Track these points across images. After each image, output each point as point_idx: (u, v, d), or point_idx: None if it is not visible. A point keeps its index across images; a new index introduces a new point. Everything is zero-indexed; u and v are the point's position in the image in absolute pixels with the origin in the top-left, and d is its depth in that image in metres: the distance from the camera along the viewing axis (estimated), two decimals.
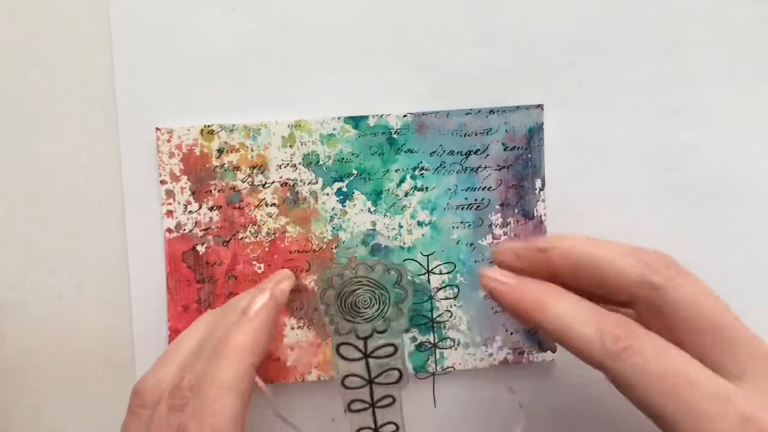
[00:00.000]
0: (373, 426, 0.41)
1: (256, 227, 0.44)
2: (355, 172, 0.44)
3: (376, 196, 0.44)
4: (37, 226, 0.45)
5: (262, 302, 0.37)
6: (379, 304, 0.40)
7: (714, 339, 0.31)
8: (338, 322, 0.40)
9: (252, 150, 0.44)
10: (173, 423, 0.33)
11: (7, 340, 0.45)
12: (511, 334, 0.44)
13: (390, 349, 0.40)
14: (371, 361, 0.40)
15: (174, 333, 0.44)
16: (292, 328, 0.44)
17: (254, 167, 0.44)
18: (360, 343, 0.40)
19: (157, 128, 0.43)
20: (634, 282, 0.32)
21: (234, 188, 0.44)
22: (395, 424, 0.41)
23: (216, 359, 0.34)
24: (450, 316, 0.44)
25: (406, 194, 0.44)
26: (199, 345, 0.37)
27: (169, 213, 0.44)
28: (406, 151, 0.44)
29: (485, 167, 0.44)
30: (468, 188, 0.44)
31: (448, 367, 0.44)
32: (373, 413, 0.41)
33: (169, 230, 0.44)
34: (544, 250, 0.35)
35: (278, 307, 0.38)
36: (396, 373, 0.40)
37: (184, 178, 0.44)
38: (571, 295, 0.34)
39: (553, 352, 0.44)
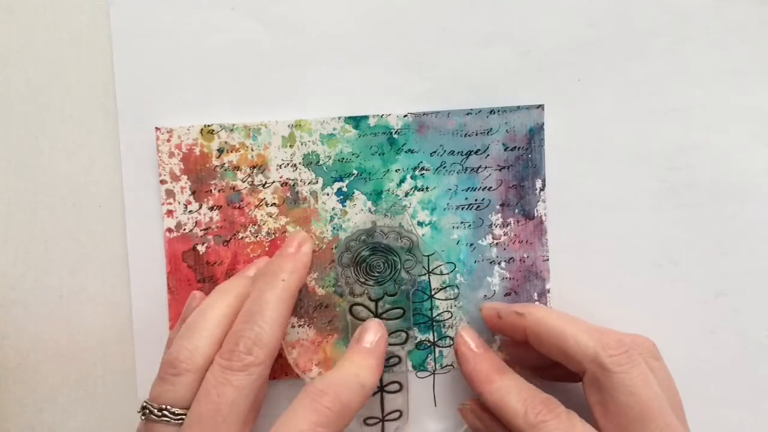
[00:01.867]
0: (379, 384, 0.43)
1: (256, 227, 0.44)
2: (355, 172, 0.44)
3: (376, 196, 0.44)
4: (37, 226, 0.45)
5: (379, 334, 0.41)
6: (391, 269, 0.43)
7: (637, 428, 0.35)
8: (353, 284, 0.43)
9: (252, 150, 0.44)
10: (231, 380, 0.36)
11: (7, 340, 0.45)
12: None
13: (398, 312, 0.43)
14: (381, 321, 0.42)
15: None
16: (293, 326, 0.44)
17: (254, 167, 0.44)
18: (372, 305, 0.43)
19: (156, 128, 0.44)
20: (588, 357, 0.36)
21: (234, 188, 0.44)
22: (399, 383, 0.44)
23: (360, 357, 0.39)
24: (450, 317, 0.44)
25: (407, 194, 0.44)
26: (233, 312, 0.39)
27: (170, 213, 0.44)
28: (406, 151, 0.44)
29: (486, 167, 0.44)
30: (468, 188, 0.44)
31: (447, 366, 0.44)
32: None
33: (169, 230, 0.44)
34: (521, 315, 0.40)
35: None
36: (403, 335, 0.43)
37: (184, 177, 0.44)
38: (514, 375, 0.39)
39: None
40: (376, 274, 0.43)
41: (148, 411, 0.37)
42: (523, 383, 0.39)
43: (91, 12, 0.44)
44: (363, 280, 0.43)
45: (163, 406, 0.36)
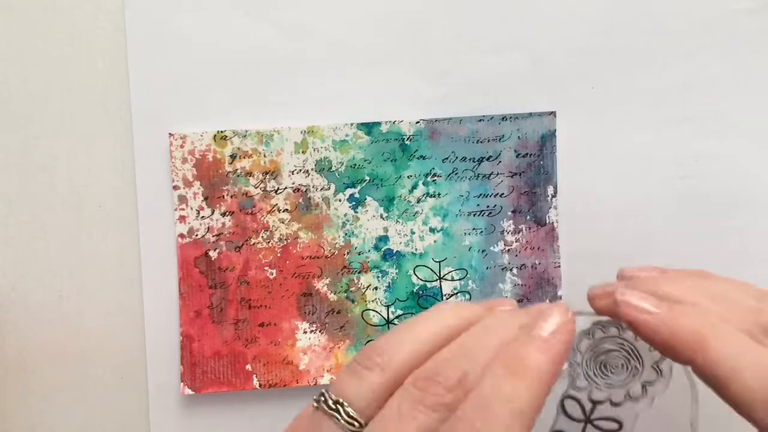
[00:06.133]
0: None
1: (268, 233, 0.44)
2: (367, 178, 0.44)
3: (388, 202, 0.44)
4: (37, 226, 0.45)
5: (561, 322, 0.30)
6: (629, 375, 0.35)
7: None
8: (579, 374, 0.36)
9: (265, 156, 0.44)
10: (419, 417, 0.28)
11: (7, 340, 0.45)
12: None
13: (614, 425, 0.36)
14: (590, 428, 0.36)
15: (186, 338, 0.44)
16: (305, 332, 0.44)
17: (267, 173, 0.44)
18: (588, 405, 0.36)
19: (170, 134, 0.43)
20: (758, 403, 0.28)
21: (246, 194, 0.44)
22: None
23: (511, 378, 0.28)
24: None
25: (419, 200, 0.44)
26: (454, 334, 0.32)
27: (182, 218, 0.44)
28: (418, 158, 0.44)
29: (497, 174, 0.44)
30: (480, 195, 0.44)
31: None
32: None
33: (181, 235, 0.44)
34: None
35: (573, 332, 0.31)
36: None
37: (197, 183, 0.44)
38: (737, 333, 0.29)
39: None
40: (610, 375, 0.35)
41: (323, 399, 0.31)
42: (754, 346, 0.29)
43: (106, 18, 0.44)
44: (592, 375, 0.35)
45: (340, 400, 0.31)
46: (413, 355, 0.31)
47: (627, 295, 0.31)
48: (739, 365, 0.28)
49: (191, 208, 0.44)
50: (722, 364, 0.28)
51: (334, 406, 0.31)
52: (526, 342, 0.29)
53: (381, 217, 0.44)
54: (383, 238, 0.44)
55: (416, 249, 0.44)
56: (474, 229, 0.44)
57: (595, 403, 0.36)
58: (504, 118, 0.44)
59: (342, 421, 0.30)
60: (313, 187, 0.44)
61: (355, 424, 0.30)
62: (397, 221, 0.44)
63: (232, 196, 0.44)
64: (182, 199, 0.44)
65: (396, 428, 0.29)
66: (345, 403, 0.30)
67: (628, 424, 0.36)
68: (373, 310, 0.44)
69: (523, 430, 0.27)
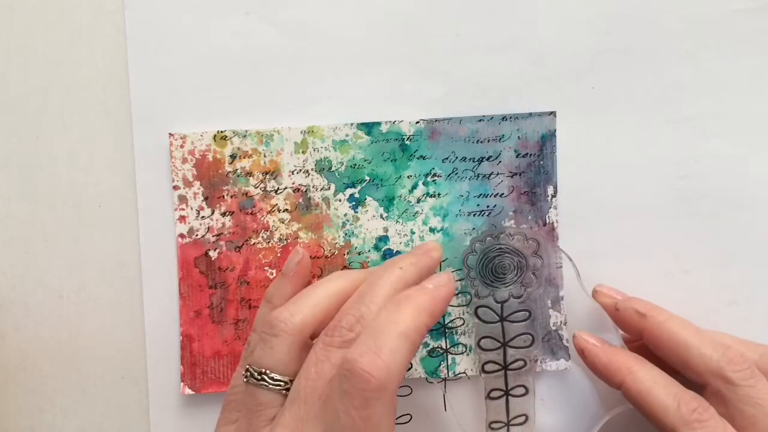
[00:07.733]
0: (504, 388, 0.43)
1: (268, 233, 0.44)
2: (367, 178, 0.44)
3: (388, 202, 0.44)
4: (37, 226, 0.45)
5: (445, 281, 0.38)
6: (518, 271, 0.43)
7: None
8: (478, 285, 0.43)
9: (265, 156, 0.44)
10: (330, 357, 0.34)
11: (7, 340, 0.45)
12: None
13: (525, 314, 0.43)
14: (506, 324, 0.43)
15: (186, 338, 0.44)
16: None
17: (267, 173, 0.44)
18: (497, 307, 0.43)
19: (170, 134, 0.43)
20: (711, 371, 0.37)
21: (246, 194, 0.44)
22: (525, 387, 0.43)
23: (397, 308, 0.35)
24: (462, 323, 0.44)
25: (419, 200, 0.44)
26: (345, 293, 0.38)
27: (182, 218, 0.44)
28: (418, 158, 0.44)
29: (497, 174, 0.44)
30: (480, 195, 0.44)
31: (459, 373, 0.44)
32: (505, 375, 0.43)
33: (181, 235, 0.44)
34: (642, 315, 0.40)
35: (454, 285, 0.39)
36: (529, 338, 0.43)
37: (197, 183, 0.44)
38: (654, 367, 0.38)
39: (567, 361, 0.44)
40: (502, 276, 0.43)
41: (249, 374, 0.36)
42: (667, 376, 0.38)
43: (106, 18, 0.44)
44: (489, 281, 0.43)
45: (263, 370, 0.36)
46: (309, 315, 0.37)
47: (583, 332, 0.41)
48: (653, 383, 0.37)
49: (191, 208, 0.44)
50: (640, 383, 0.37)
51: (259, 377, 0.36)
52: (415, 289, 0.36)
53: (381, 217, 0.44)
54: (383, 238, 0.44)
55: None
56: (474, 229, 0.44)
57: (501, 302, 0.43)
58: (504, 118, 0.44)
59: (271, 386, 0.36)
60: (313, 187, 0.44)
61: (282, 383, 0.36)
62: (397, 221, 0.44)
63: (232, 196, 0.44)
64: (182, 199, 0.44)
65: (314, 368, 0.34)
66: (267, 371, 0.36)
67: (536, 309, 0.43)
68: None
69: (406, 346, 0.33)
